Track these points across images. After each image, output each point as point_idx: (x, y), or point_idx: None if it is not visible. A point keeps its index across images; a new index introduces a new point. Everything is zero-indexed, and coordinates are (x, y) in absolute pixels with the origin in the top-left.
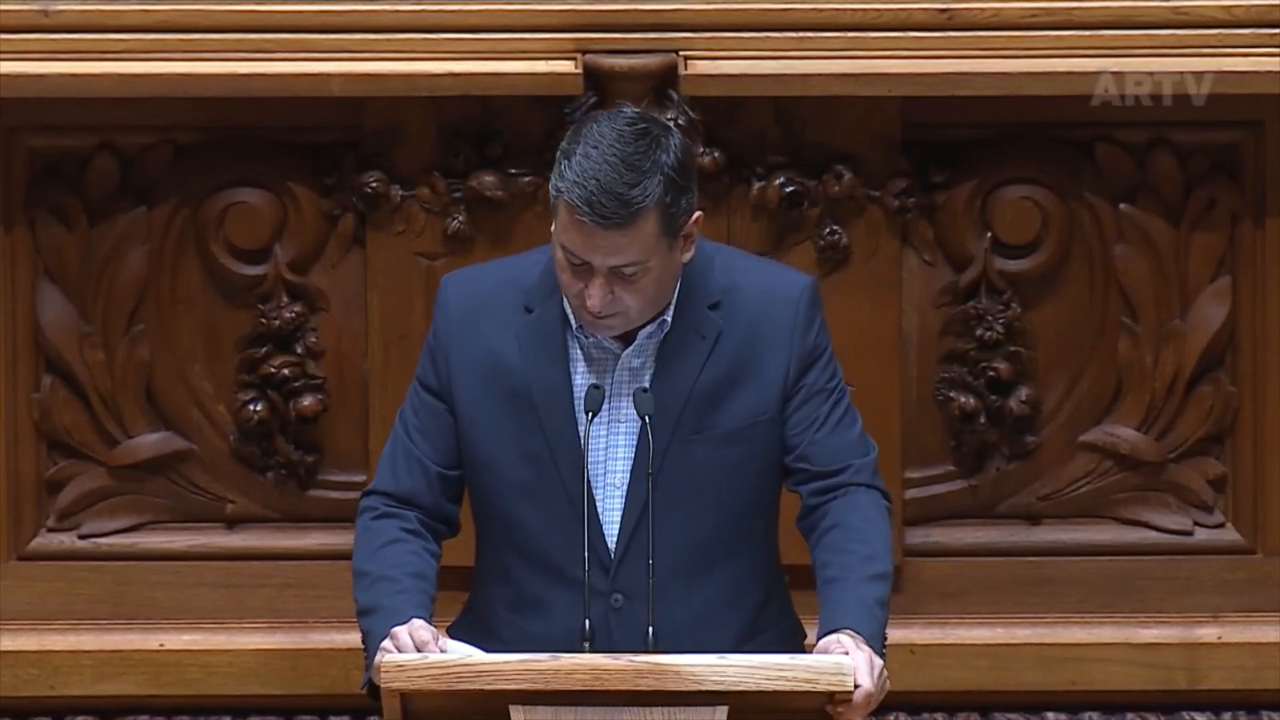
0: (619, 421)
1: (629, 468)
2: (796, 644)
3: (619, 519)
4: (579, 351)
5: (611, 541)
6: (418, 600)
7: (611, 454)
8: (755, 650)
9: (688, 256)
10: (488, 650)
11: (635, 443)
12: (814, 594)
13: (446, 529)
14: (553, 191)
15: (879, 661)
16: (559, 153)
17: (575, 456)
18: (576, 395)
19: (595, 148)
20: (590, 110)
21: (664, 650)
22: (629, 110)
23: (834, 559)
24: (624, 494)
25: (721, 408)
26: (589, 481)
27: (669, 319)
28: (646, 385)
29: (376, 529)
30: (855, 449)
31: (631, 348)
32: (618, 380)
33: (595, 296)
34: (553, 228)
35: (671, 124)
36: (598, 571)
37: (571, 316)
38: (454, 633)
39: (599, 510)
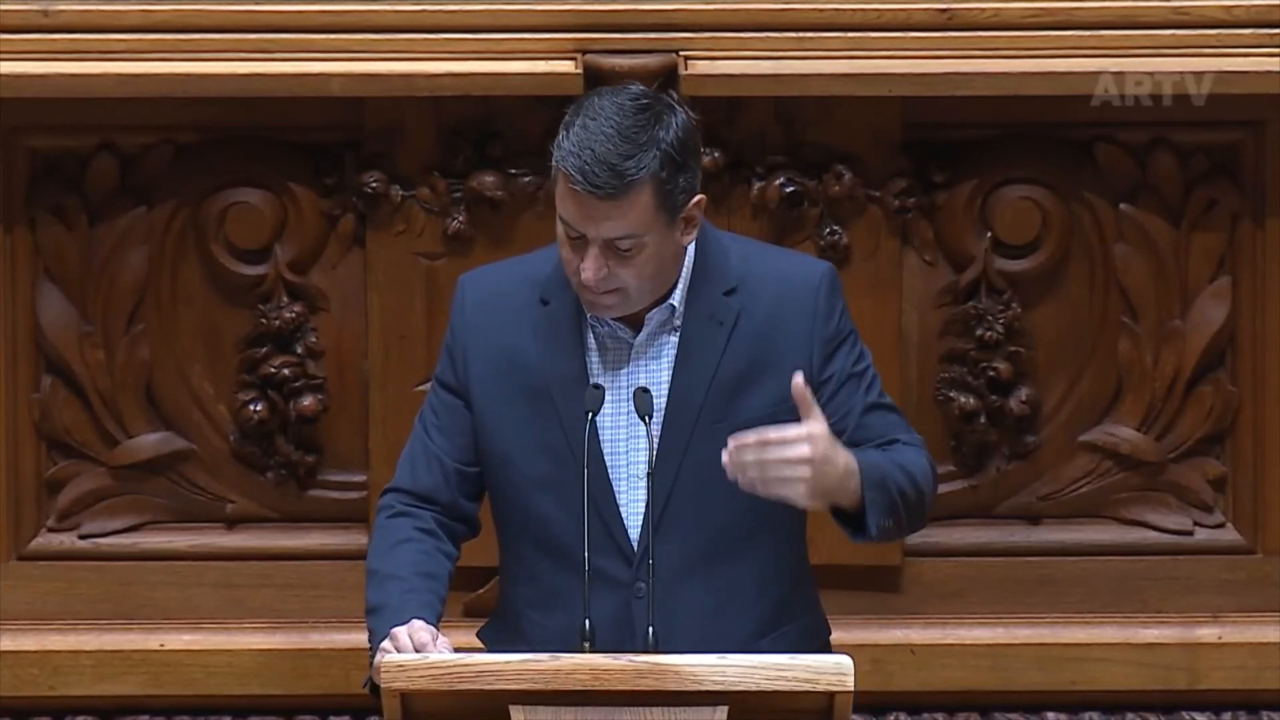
0: (636, 411)
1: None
2: (819, 642)
3: (641, 510)
4: (594, 342)
5: (634, 533)
6: (424, 600)
7: (632, 445)
8: (776, 643)
9: (689, 240)
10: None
11: (656, 433)
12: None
13: (465, 528)
14: (553, 162)
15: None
16: (561, 125)
17: (593, 448)
18: None
19: (594, 119)
20: None
21: (680, 641)
22: (635, 87)
23: (875, 452)
24: (645, 484)
25: (743, 397)
26: (596, 475)
27: (675, 303)
28: (647, 384)
29: (391, 527)
30: (901, 428)
31: (642, 335)
32: (633, 370)
33: (589, 269)
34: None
35: (678, 104)
36: (620, 563)
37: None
38: (483, 635)
39: (620, 502)
